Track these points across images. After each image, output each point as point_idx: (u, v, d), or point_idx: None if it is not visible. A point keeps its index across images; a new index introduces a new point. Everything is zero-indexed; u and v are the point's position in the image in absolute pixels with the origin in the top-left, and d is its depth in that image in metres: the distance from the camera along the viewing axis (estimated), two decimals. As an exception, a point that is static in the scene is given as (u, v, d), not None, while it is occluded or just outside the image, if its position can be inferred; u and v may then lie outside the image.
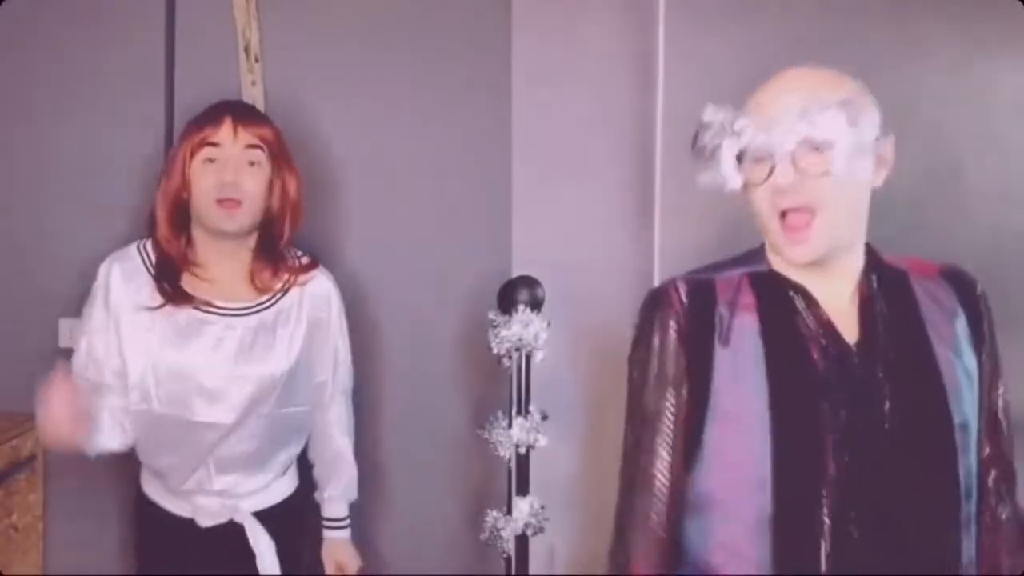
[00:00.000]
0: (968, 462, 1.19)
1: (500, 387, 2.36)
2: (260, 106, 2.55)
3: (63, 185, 2.59)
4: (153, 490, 2.13)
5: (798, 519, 1.16)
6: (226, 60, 2.56)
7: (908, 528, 1.17)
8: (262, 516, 2.05)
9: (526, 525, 2.24)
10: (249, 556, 2.03)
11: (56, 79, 2.58)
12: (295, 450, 2.15)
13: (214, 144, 1.89)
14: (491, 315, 2.23)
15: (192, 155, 1.91)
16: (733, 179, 1.24)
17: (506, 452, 2.23)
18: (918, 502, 1.17)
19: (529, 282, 2.26)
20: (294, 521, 2.14)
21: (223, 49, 2.56)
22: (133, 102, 2.57)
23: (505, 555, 2.26)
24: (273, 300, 2.00)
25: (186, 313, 1.92)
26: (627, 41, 2.50)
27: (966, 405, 1.22)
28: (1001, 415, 1.29)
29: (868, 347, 1.22)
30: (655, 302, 1.29)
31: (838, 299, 1.26)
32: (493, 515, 2.26)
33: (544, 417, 2.25)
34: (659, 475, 1.23)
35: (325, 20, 2.57)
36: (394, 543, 2.59)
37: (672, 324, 1.26)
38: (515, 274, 2.39)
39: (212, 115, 1.93)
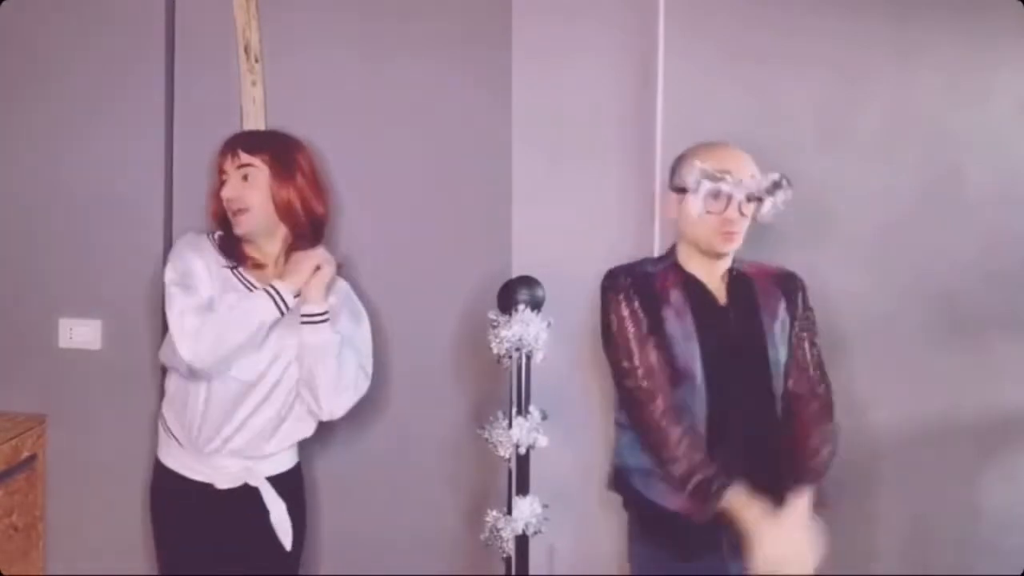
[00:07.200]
0: (777, 374, 2.11)
1: (500, 387, 2.36)
2: (260, 106, 2.56)
3: (63, 185, 2.59)
4: (172, 460, 2.32)
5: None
6: (226, 60, 2.56)
7: (749, 400, 2.11)
8: (270, 482, 2.31)
9: (526, 525, 2.24)
10: (260, 520, 2.28)
11: (56, 79, 2.58)
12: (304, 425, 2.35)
13: (223, 171, 2.31)
14: (491, 315, 2.23)
15: (217, 174, 2.33)
16: (700, 208, 2.06)
17: (506, 452, 2.23)
18: (753, 393, 2.11)
19: (529, 282, 2.25)
20: (296, 490, 2.39)
21: (223, 49, 2.56)
22: (133, 102, 2.57)
23: (505, 555, 2.26)
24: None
25: (235, 289, 2.27)
26: (627, 42, 2.50)
27: (779, 352, 2.12)
28: (803, 356, 2.15)
29: (731, 305, 2.13)
30: (613, 278, 2.15)
31: (715, 279, 2.14)
32: (493, 515, 2.26)
33: (544, 417, 2.25)
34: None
35: (325, 20, 2.57)
36: (394, 543, 2.59)
37: (623, 294, 2.11)
38: (515, 274, 2.39)
39: (225, 144, 2.35)
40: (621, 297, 2.10)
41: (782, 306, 2.13)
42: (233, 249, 2.31)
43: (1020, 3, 2.41)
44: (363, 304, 2.42)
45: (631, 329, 2.08)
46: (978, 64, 2.44)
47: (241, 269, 2.30)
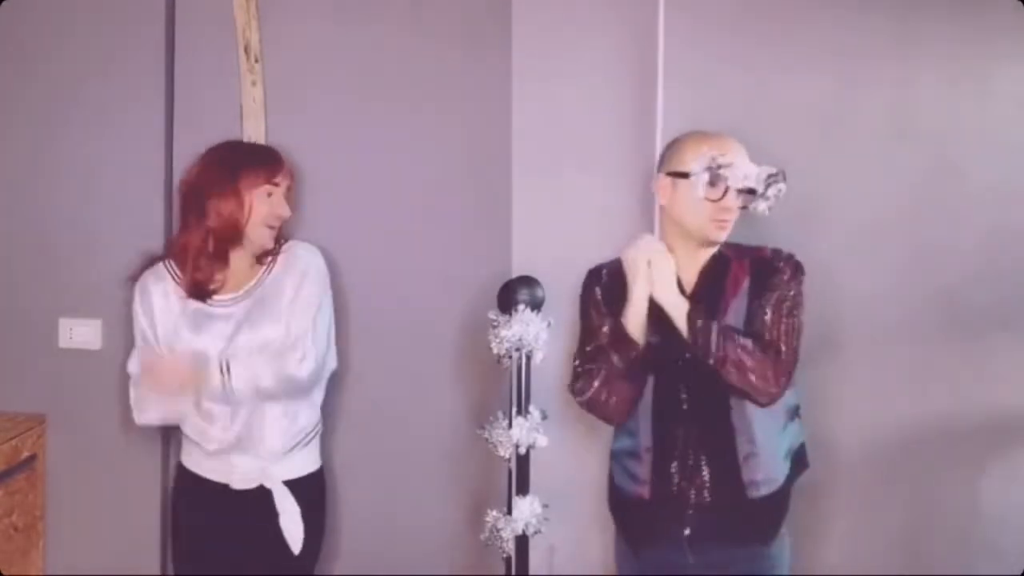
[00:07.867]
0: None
1: (500, 387, 2.36)
2: (260, 106, 2.56)
3: (63, 185, 2.59)
4: (192, 460, 2.36)
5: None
6: (226, 60, 2.56)
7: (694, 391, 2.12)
8: (288, 486, 2.32)
9: (526, 525, 2.24)
10: (276, 523, 2.29)
11: (56, 79, 2.59)
12: (306, 414, 2.38)
13: (276, 184, 2.33)
14: (491, 315, 2.23)
15: (253, 189, 2.30)
16: (701, 194, 2.06)
17: (506, 452, 2.23)
18: (699, 383, 2.10)
19: (529, 282, 2.26)
20: (316, 496, 2.41)
21: (223, 49, 2.56)
22: (133, 102, 2.57)
23: (505, 555, 2.26)
24: (264, 275, 2.35)
25: (207, 316, 2.33)
26: (628, 41, 2.50)
27: (732, 321, 2.09)
28: (760, 325, 2.08)
29: (696, 296, 2.10)
30: (591, 275, 2.23)
31: (693, 268, 2.14)
32: (493, 515, 2.26)
33: (544, 417, 2.25)
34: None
35: (325, 20, 2.57)
36: (394, 543, 2.59)
37: (597, 288, 2.19)
38: (515, 274, 2.39)
39: (273, 159, 2.36)
40: (588, 293, 2.21)
41: (743, 289, 2.11)
42: (204, 283, 2.31)
43: (1021, 1, 2.41)
44: (359, 303, 2.43)
45: (593, 319, 2.17)
46: (978, 63, 2.43)
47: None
